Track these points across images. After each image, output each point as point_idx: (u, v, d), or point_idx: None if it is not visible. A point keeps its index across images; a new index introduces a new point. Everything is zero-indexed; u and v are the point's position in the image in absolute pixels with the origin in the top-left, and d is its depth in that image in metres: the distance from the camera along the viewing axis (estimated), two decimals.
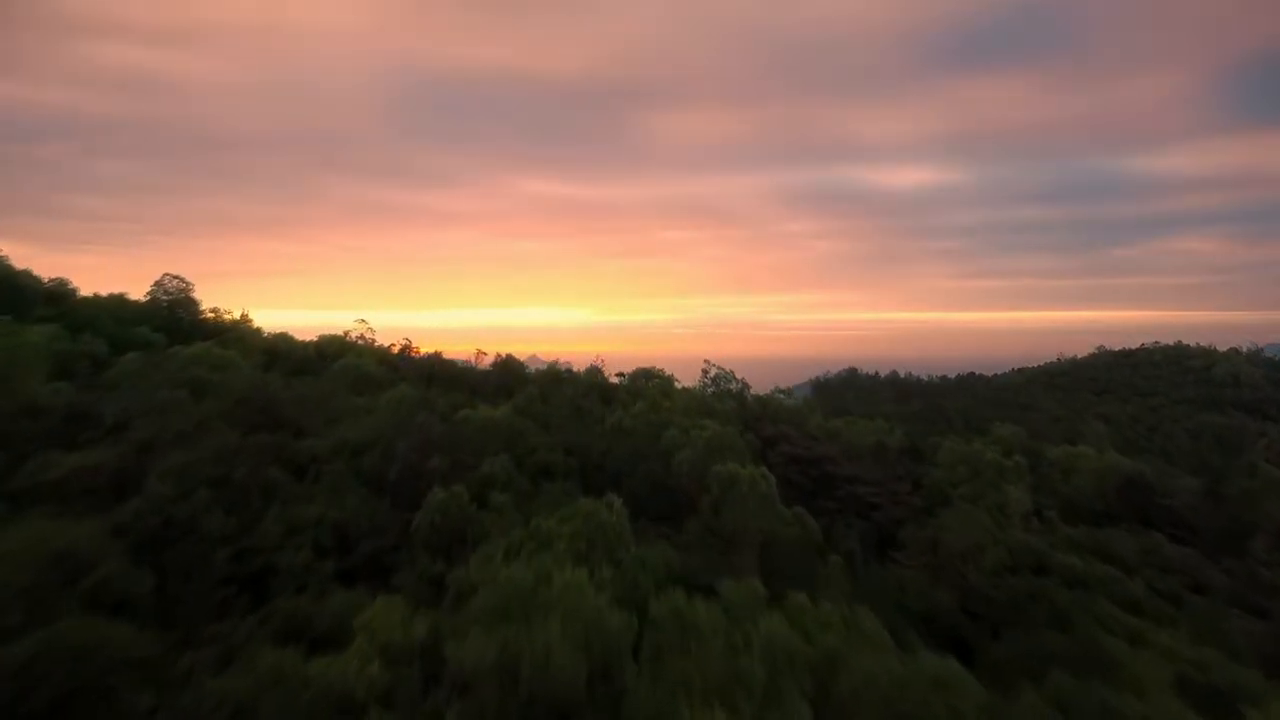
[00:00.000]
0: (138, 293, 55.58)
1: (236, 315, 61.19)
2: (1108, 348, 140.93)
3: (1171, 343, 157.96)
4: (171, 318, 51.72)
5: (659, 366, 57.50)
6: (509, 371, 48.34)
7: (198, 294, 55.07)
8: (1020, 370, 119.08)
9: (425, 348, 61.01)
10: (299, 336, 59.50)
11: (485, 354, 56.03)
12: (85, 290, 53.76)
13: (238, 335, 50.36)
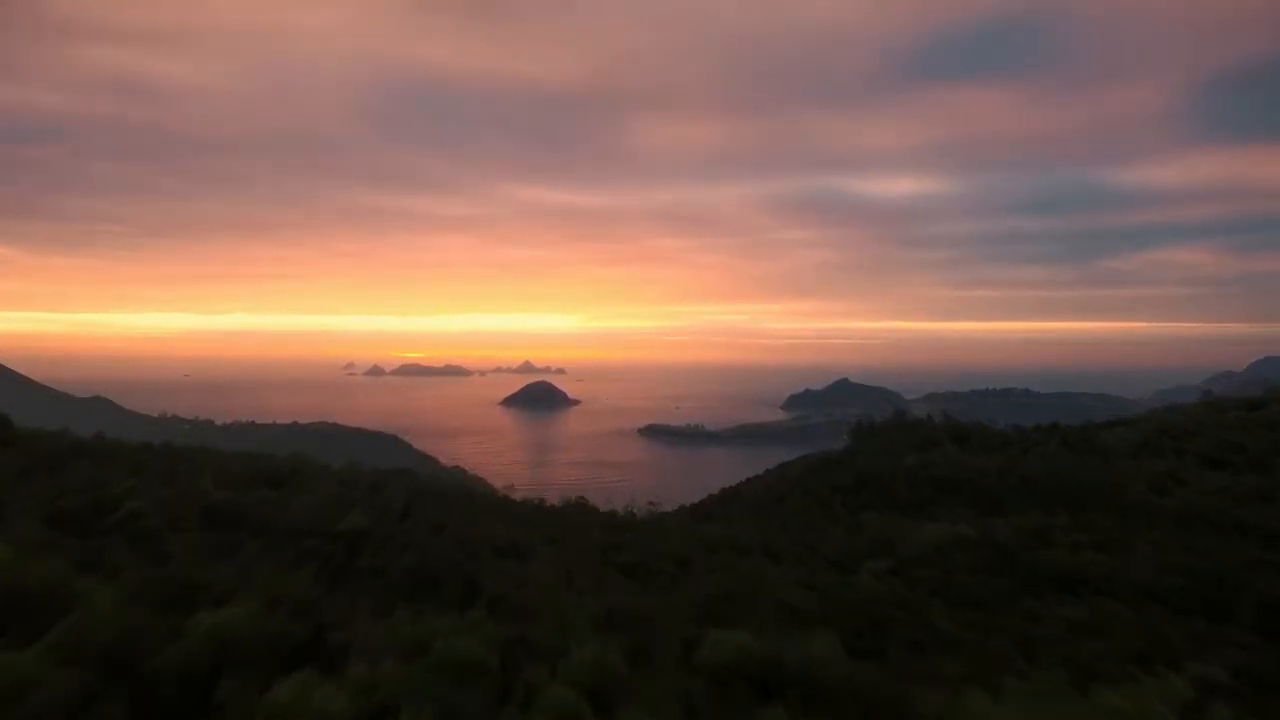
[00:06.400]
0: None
1: None
2: (1214, 392, 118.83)
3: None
4: None
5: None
6: None
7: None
8: (1107, 426, 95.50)
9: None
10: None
11: None
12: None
13: None
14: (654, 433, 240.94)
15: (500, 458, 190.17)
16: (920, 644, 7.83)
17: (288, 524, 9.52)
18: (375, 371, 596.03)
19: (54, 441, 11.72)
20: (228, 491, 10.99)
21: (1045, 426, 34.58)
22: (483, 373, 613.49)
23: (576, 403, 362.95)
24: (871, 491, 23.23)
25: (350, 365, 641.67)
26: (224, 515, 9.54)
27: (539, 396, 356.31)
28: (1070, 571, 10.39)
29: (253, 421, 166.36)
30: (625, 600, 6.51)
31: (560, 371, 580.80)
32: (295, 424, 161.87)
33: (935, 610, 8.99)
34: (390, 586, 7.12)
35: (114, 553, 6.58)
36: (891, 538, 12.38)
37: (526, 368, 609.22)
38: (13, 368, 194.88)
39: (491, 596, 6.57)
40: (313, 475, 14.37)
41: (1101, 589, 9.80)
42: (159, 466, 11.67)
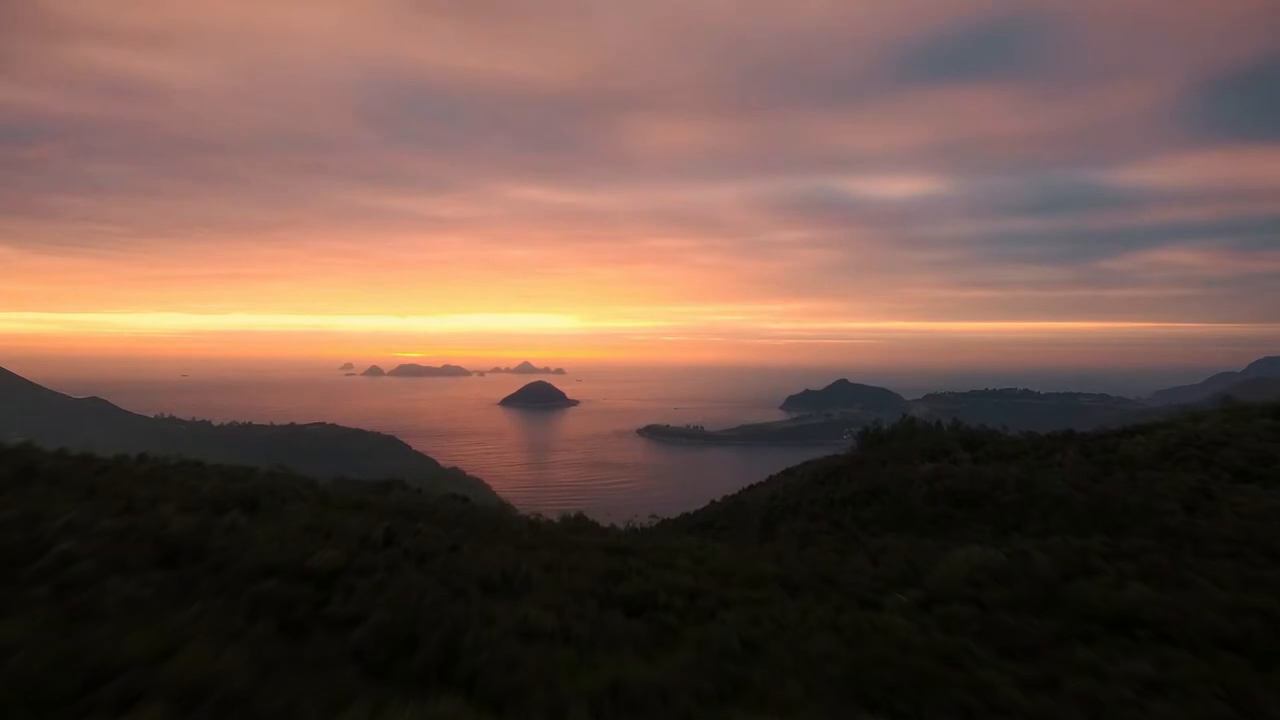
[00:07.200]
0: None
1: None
2: (1223, 394, 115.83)
3: None
4: None
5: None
6: None
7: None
8: (1126, 434, 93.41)
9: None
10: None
11: None
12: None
13: None
14: (653, 433, 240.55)
15: (499, 458, 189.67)
16: (969, 708, 6.83)
17: (252, 559, 8.53)
18: (374, 372, 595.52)
19: (6, 461, 10.75)
20: (192, 519, 9.95)
21: (1060, 434, 33.59)
22: (481, 373, 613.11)
23: (575, 403, 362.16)
24: (884, 504, 22.24)
25: (348, 365, 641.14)
26: (181, 550, 8.51)
27: (538, 397, 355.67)
28: (1122, 610, 9.36)
29: (250, 423, 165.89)
30: (631, 671, 5.50)
31: (559, 372, 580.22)
32: (293, 425, 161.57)
33: (979, 660, 8.00)
34: (357, 649, 6.11)
35: (31, 611, 5.60)
36: (917, 565, 11.39)
37: (525, 368, 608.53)
38: (10, 369, 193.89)
39: (473, 666, 5.57)
40: (292, 494, 13.42)
41: (1162, 633, 8.79)
42: (118, 490, 10.70)
